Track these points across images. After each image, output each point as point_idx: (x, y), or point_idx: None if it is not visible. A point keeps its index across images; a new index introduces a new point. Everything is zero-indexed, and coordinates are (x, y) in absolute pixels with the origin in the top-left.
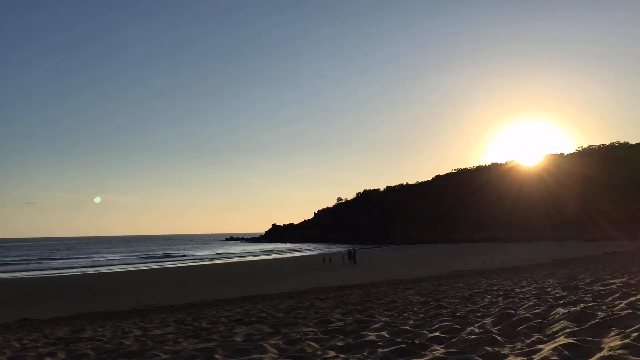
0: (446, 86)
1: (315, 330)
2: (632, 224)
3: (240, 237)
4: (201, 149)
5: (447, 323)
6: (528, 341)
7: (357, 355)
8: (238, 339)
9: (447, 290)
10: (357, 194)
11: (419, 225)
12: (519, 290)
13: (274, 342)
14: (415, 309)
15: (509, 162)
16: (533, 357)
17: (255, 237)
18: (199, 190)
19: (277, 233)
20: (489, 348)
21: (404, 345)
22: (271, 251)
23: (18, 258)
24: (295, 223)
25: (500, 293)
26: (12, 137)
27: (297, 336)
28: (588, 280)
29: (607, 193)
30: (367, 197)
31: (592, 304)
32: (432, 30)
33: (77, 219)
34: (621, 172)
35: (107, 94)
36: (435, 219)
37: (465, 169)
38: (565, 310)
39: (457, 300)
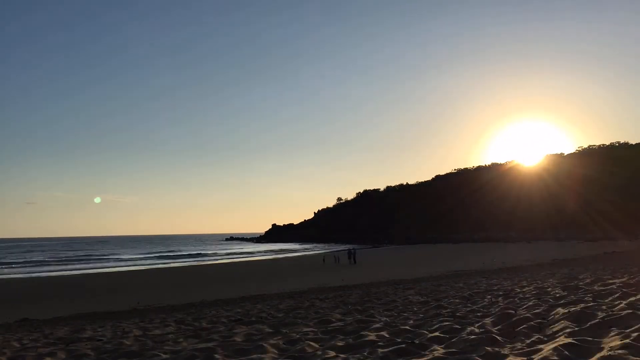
0: (446, 86)
1: (315, 330)
2: (632, 224)
3: (240, 237)
4: (201, 149)
5: (447, 323)
6: (528, 341)
7: (357, 355)
8: (238, 339)
9: (447, 290)
10: (357, 194)
11: (419, 225)
12: (519, 290)
13: (274, 342)
14: (415, 309)
15: (509, 162)
16: (533, 357)
17: (255, 237)
18: (199, 190)
19: (277, 233)
20: (489, 348)
21: (404, 345)
22: (271, 251)
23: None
24: (295, 223)
25: (500, 293)
26: (13, 137)
27: (297, 336)
28: (588, 280)
29: (607, 193)
30: (367, 197)
31: (592, 304)
32: (432, 30)
33: (77, 219)
34: (621, 172)
35: (107, 94)
36: (435, 219)
37: (465, 169)
38: (565, 310)
39: (457, 300)
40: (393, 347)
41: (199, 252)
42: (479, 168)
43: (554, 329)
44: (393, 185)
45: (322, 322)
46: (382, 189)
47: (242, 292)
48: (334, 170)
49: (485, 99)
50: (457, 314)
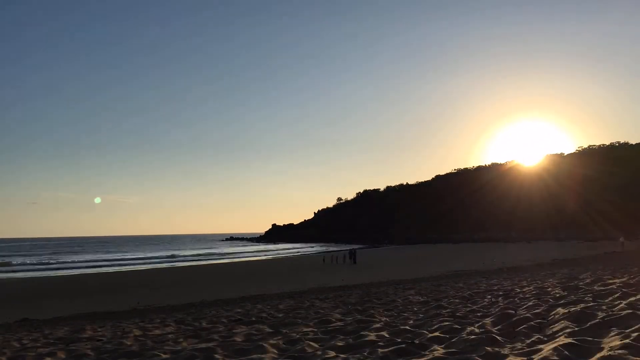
0: (446, 86)
1: (315, 330)
2: (632, 223)
3: (240, 237)
4: (201, 149)
5: (447, 323)
6: (528, 341)
7: (357, 355)
8: (238, 339)
9: (447, 291)
10: (357, 194)
11: (419, 225)
12: (519, 290)
13: (274, 342)
14: (415, 309)
15: (509, 162)
16: (533, 357)
17: (255, 237)
18: (199, 191)
19: (277, 233)
20: (489, 348)
21: (404, 345)
22: (271, 251)
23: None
24: (295, 223)
25: (500, 293)
26: (15, 137)
27: (297, 336)
28: (588, 281)
29: (607, 193)
30: (367, 197)
31: (592, 304)
32: (432, 30)
33: (80, 219)
34: (621, 172)
35: (110, 95)
36: (435, 219)
37: (465, 169)
38: (566, 310)
39: (457, 301)
40: (393, 347)
41: (198, 252)
42: (479, 168)
43: (554, 329)
44: (393, 185)
45: (322, 322)
46: (382, 189)
47: (242, 292)
48: (334, 170)
49: (485, 99)
50: (457, 314)
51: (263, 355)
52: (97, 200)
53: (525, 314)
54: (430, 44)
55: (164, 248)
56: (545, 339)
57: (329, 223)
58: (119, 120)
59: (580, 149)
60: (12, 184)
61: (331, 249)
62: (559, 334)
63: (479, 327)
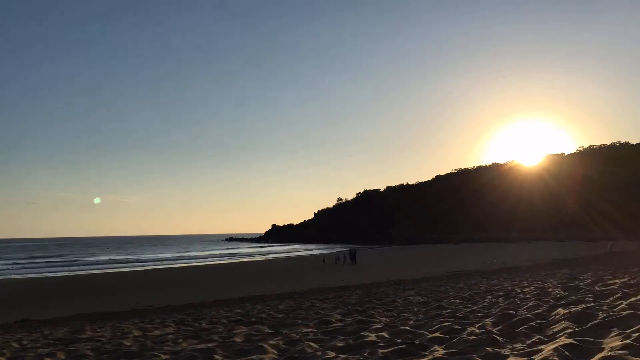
0: (446, 86)
1: (315, 330)
2: (632, 224)
3: (240, 237)
4: (202, 149)
5: (448, 324)
6: (529, 342)
7: (357, 356)
8: (238, 339)
9: (448, 291)
10: (357, 194)
11: (419, 225)
12: (519, 291)
13: (274, 342)
14: (416, 309)
15: (510, 162)
16: (534, 357)
17: (255, 237)
18: (199, 191)
19: (277, 233)
20: (489, 348)
21: (404, 346)
22: (271, 251)
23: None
24: (295, 223)
25: (501, 293)
26: (15, 137)
27: (297, 337)
28: (589, 281)
29: (607, 193)
30: (367, 197)
31: (592, 304)
32: (432, 30)
33: (80, 220)
34: (622, 172)
35: (110, 95)
36: (435, 219)
37: (466, 169)
38: (566, 311)
39: (457, 301)
40: (393, 348)
41: (198, 252)
42: (479, 168)
43: (555, 330)
44: (393, 185)
45: (322, 322)
46: (382, 189)
47: (242, 292)
48: (334, 170)
49: (485, 99)
50: (458, 315)
51: (263, 356)
52: (97, 200)
53: (525, 314)
54: (430, 44)
55: (167, 248)
56: (546, 339)
57: (329, 223)
58: (119, 120)
59: (580, 149)
60: (12, 184)
61: (331, 249)
62: (560, 334)
63: (479, 328)
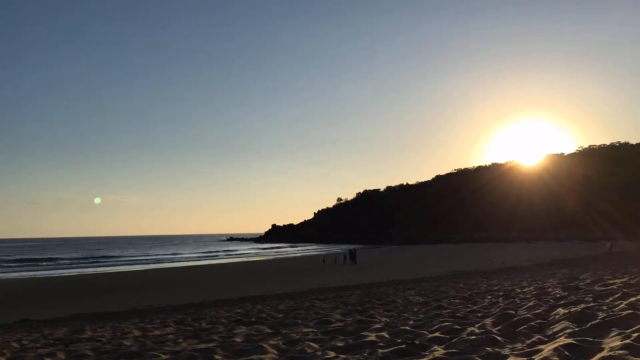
0: (446, 86)
1: (315, 330)
2: (632, 224)
3: (240, 237)
4: (201, 149)
5: (448, 323)
6: (528, 341)
7: (357, 356)
8: (238, 339)
9: (448, 291)
10: (357, 194)
11: (419, 225)
12: (519, 291)
13: (274, 342)
14: (416, 309)
15: (509, 162)
16: (533, 357)
17: (255, 237)
18: (199, 191)
19: (277, 233)
20: (489, 348)
21: (404, 346)
22: (271, 251)
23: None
24: (295, 223)
25: (501, 293)
26: (16, 137)
27: (297, 337)
28: (588, 281)
29: (607, 193)
30: (367, 197)
31: (592, 304)
32: (432, 31)
33: (80, 220)
34: (622, 172)
35: (110, 96)
36: (435, 219)
37: (465, 169)
38: (566, 311)
39: (457, 301)
40: (393, 348)
41: (198, 252)
42: (479, 168)
43: (555, 330)
44: (393, 185)
45: (322, 322)
46: (382, 189)
47: (242, 292)
48: (334, 170)
49: (485, 99)
50: (458, 315)
51: (263, 356)
52: (97, 200)
53: (525, 314)
54: (430, 44)
55: (167, 248)
56: (546, 339)
57: (329, 223)
58: (119, 121)
59: (580, 149)
60: (12, 184)
61: (331, 249)
62: (560, 334)
63: (479, 328)
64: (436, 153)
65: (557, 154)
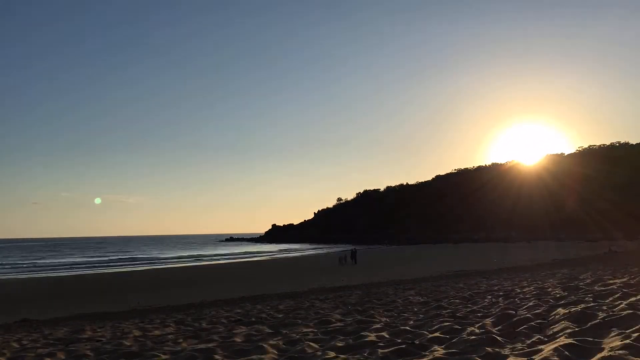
0: (446, 87)
1: (315, 330)
2: (632, 223)
3: (240, 237)
4: (201, 149)
5: (448, 323)
6: (528, 341)
7: (357, 356)
8: (238, 339)
9: (448, 291)
10: (357, 194)
11: (419, 225)
12: (519, 291)
13: (274, 342)
14: (416, 309)
15: (509, 162)
16: (534, 357)
17: (255, 237)
18: (199, 191)
19: (277, 233)
20: (489, 348)
21: (404, 346)
22: (271, 251)
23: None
24: (295, 223)
25: (501, 293)
26: (17, 137)
27: (297, 337)
28: (588, 281)
29: (607, 193)
30: (367, 197)
31: (592, 304)
32: (432, 32)
33: (81, 220)
34: (621, 172)
35: (113, 97)
36: (435, 219)
37: (466, 169)
38: (566, 311)
39: (457, 301)
40: (393, 348)
41: (198, 252)
42: (479, 168)
43: (555, 330)
44: (393, 185)
45: (322, 322)
46: (382, 189)
47: (242, 292)
48: (334, 170)
49: (486, 99)
50: (458, 315)
51: (263, 356)
52: (98, 200)
53: (525, 314)
54: (431, 45)
55: (167, 248)
56: (546, 339)
57: (329, 223)
58: (121, 122)
59: (580, 149)
60: (13, 184)
61: (331, 249)
62: (560, 334)
63: (479, 328)
64: (436, 153)
65: (557, 154)
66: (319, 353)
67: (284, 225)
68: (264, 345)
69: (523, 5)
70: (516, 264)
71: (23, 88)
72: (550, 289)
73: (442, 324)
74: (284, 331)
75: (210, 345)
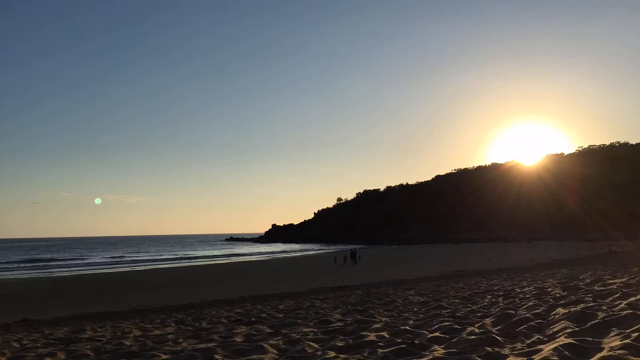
0: (447, 86)
1: (315, 330)
2: (632, 223)
3: (240, 237)
4: (202, 149)
5: (447, 323)
6: (528, 341)
7: (357, 356)
8: (238, 339)
9: (447, 291)
10: (357, 194)
11: (419, 225)
12: (519, 291)
13: (274, 342)
14: (416, 309)
15: (509, 162)
16: (533, 357)
17: (255, 237)
18: (199, 191)
19: (277, 233)
20: (489, 348)
21: (404, 346)
22: (271, 251)
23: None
24: (295, 223)
25: (501, 293)
26: (18, 137)
27: (297, 336)
28: (588, 281)
29: (607, 193)
30: (367, 197)
31: (592, 304)
32: (432, 32)
33: (82, 220)
34: (621, 171)
35: (114, 98)
36: (435, 219)
37: (466, 169)
38: (566, 311)
39: (457, 301)
40: (393, 348)
41: (198, 252)
42: (479, 168)
43: (554, 329)
44: (393, 185)
45: (322, 322)
46: (382, 189)
47: (242, 292)
48: (334, 170)
49: (486, 100)
50: (457, 314)
51: (263, 356)
52: (98, 201)
53: (525, 314)
54: (431, 45)
55: (167, 248)
56: (546, 339)
57: (329, 223)
58: (121, 123)
59: (580, 148)
60: (14, 184)
61: (331, 249)
62: (559, 334)
63: (479, 328)
64: (436, 153)
65: (556, 154)
66: (319, 353)
67: (284, 225)
68: (264, 345)
69: (523, 5)
70: (516, 264)
71: (23, 88)
72: (550, 289)
73: (442, 324)
74: (284, 331)
75: (210, 345)
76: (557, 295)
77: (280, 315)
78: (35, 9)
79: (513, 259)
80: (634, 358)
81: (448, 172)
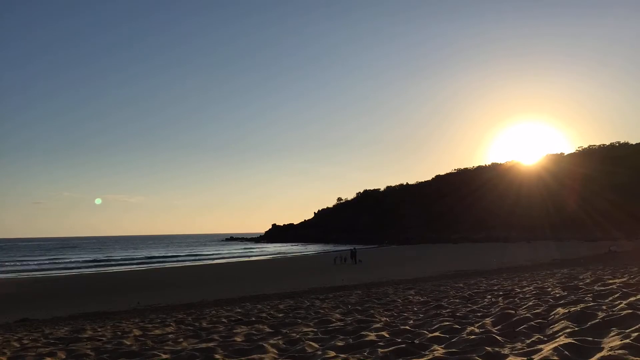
0: (447, 87)
1: (316, 330)
2: (632, 223)
3: (240, 237)
4: (203, 149)
5: (447, 323)
6: (528, 341)
7: (357, 355)
8: (238, 339)
9: (447, 291)
10: (357, 194)
11: (419, 225)
12: (519, 290)
13: (274, 342)
14: (415, 309)
15: (509, 161)
16: (533, 357)
17: (255, 237)
18: (199, 191)
19: (277, 233)
20: (489, 348)
21: (404, 346)
22: (271, 251)
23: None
24: (295, 223)
25: (501, 293)
26: (21, 138)
27: (297, 336)
28: (588, 281)
29: (607, 193)
30: (367, 197)
31: (592, 304)
32: (433, 32)
33: (84, 219)
34: (621, 171)
35: (115, 98)
36: (435, 219)
37: (465, 169)
38: (566, 310)
39: (457, 301)
40: (393, 347)
41: (198, 252)
42: (479, 168)
43: (554, 329)
44: (393, 185)
45: (322, 322)
46: (382, 189)
47: (242, 292)
48: (334, 170)
49: (486, 100)
50: (457, 314)
51: (263, 355)
52: (98, 201)
53: (525, 314)
54: (431, 45)
55: (167, 248)
56: (546, 339)
57: (329, 223)
58: (122, 123)
59: (580, 148)
60: (17, 184)
61: (331, 249)
62: (559, 334)
63: (479, 327)
64: (436, 153)
65: (556, 154)
66: (319, 352)
67: (284, 225)
68: (264, 344)
69: (523, 5)
70: (516, 263)
71: (23, 87)
72: (550, 289)
73: (442, 324)
74: (284, 331)
75: (210, 344)
76: (557, 295)
77: (281, 315)
78: (34, 8)
79: (513, 259)
80: (633, 358)
81: (448, 172)
